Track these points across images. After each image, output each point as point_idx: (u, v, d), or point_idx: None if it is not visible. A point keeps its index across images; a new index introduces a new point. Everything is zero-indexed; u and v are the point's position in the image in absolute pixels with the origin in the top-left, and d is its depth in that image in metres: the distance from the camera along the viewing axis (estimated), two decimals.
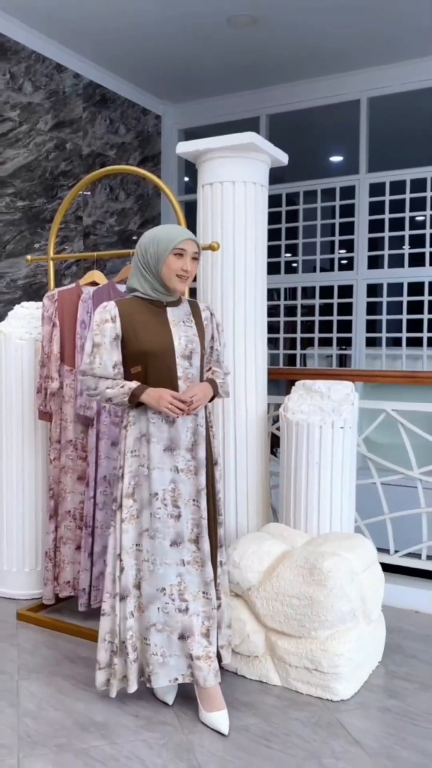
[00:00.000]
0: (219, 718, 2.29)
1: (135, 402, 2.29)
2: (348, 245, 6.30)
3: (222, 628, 2.46)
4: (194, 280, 3.06)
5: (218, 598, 2.43)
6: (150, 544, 2.32)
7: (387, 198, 5.98)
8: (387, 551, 3.41)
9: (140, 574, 2.34)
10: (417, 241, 5.95)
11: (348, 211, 6.16)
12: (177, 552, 2.31)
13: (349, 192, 6.14)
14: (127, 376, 2.36)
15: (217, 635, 2.37)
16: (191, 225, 2.94)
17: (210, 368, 2.52)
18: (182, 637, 2.30)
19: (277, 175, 3.50)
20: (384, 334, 6.13)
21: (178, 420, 2.31)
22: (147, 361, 2.32)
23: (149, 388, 2.28)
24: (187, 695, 2.46)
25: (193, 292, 2.95)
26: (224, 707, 2.32)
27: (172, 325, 2.37)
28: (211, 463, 2.43)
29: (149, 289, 2.37)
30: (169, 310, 2.39)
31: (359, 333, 6.15)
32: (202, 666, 2.28)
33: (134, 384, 2.29)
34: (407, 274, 6.03)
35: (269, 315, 3.29)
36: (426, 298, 5.86)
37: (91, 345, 2.34)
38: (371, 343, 6.28)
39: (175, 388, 2.32)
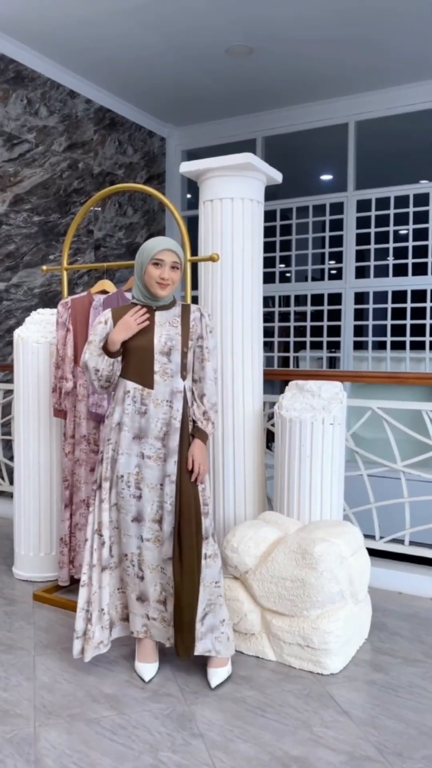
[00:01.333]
0: (146, 668, 2.42)
1: (112, 347, 2.34)
2: (337, 257, 6.30)
3: (212, 623, 2.38)
4: (195, 288, 3.07)
5: (196, 591, 2.31)
6: (117, 516, 2.40)
7: (373, 213, 5.98)
8: (373, 537, 3.41)
9: (110, 540, 2.42)
10: (400, 252, 5.96)
11: (337, 225, 6.16)
12: (137, 527, 2.37)
13: (338, 208, 6.15)
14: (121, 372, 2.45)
15: (196, 618, 2.32)
16: (193, 238, 2.94)
17: (193, 408, 2.42)
18: (140, 598, 2.40)
19: (271, 192, 3.50)
20: (370, 338, 6.13)
21: (150, 411, 2.34)
22: (129, 356, 2.39)
23: (114, 328, 2.35)
24: (189, 669, 2.46)
25: (195, 300, 2.94)
26: (155, 661, 2.45)
27: (156, 326, 2.39)
28: (185, 453, 2.36)
29: (140, 294, 2.43)
30: (157, 313, 2.42)
31: (347, 337, 6.15)
32: (158, 625, 2.40)
33: (107, 350, 2.36)
34: (391, 283, 6.03)
35: (265, 321, 3.28)
36: (408, 305, 5.86)
37: (88, 343, 2.44)
38: (358, 346, 6.29)
39: (151, 381, 2.36)
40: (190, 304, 2.51)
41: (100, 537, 2.40)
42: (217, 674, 2.38)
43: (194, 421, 2.43)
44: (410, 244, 5.85)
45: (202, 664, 2.46)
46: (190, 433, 2.40)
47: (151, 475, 2.36)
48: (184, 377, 2.39)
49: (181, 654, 2.34)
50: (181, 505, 2.33)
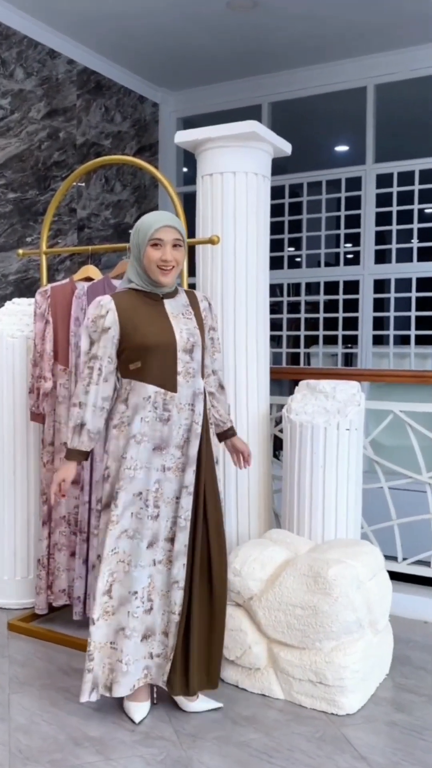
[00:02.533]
0: (137, 707, 2.42)
1: (66, 455, 2.41)
2: (354, 239, 6.30)
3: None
4: (192, 274, 3.07)
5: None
6: (128, 544, 2.34)
7: (395, 189, 5.98)
8: (395, 559, 3.41)
9: (112, 576, 2.35)
10: (426, 234, 5.95)
11: (354, 203, 6.16)
12: (151, 553, 2.35)
13: (355, 183, 6.15)
14: (125, 373, 2.36)
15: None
16: (190, 217, 2.94)
17: (217, 408, 2.57)
18: (145, 637, 2.38)
19: (279, 166, 3.50)
20: (392, 332, 6.13)
21: (173, 418, 2.33)
22: (147, 357, 2.31)
23: (67, 463, 2.40)
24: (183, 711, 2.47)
25: (192, 288, 2.95)
26: (146, 699, 2.46)
27: (171, 318, 2.37)
28: (208, 461, 2.42)
29: (140, 281, 2.38)
30: (166, 302, 2.39)
31: (366, 330, 6.15)
32: (160, 662, 2.39)
33: (73, 446, 2.37)
34: (416, 269, 6.03)
35: (271, 312, 3.29)
36: None
37: (89, 343, 2.35)
38: (378, 341, 6.29)
39: (174, 383, 2.32)
40: (192, 291, 2.54)
41: (100, 564, 2.36)
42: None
43: (217, 422, 2.56)
44: None
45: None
46: (223, 432, 2.58)
47: (169, 489, 2.36)
48: (203, 375, 2.43)
49: (205, 686, 2.43)
50: (206, 516, 2.39)
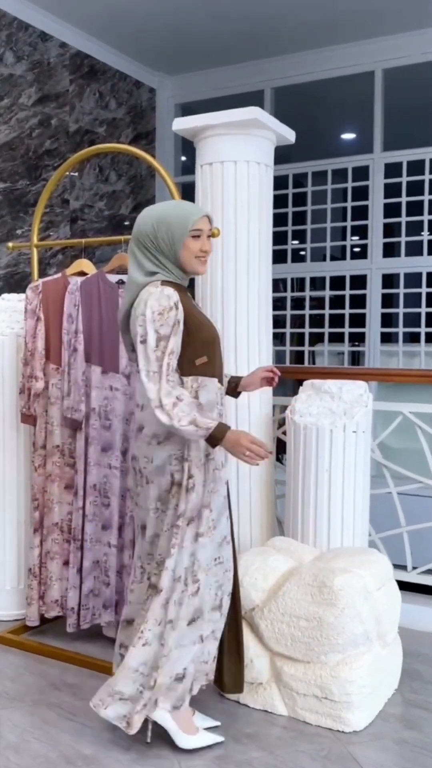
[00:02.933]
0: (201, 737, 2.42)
1: (213, 443, 2.21)
2: (361, 231, 6.30)
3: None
4: None
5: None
6: (228, 550, 2.39)
7: (404, 179, 5.98)
8: (404, 568, 3.41)
9: (222, 589, 2.37)
10: None
11: (361, 193, 6.16)
12: (230, 549, 2.44)
13: (362, 173, 6.15)
14: (191, 370, 2.27)
15: None
16: None
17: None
18: (192, 620, 2.36)
19: (283, 154, 3.51)
20: (401, 329, 6.13)
21: (224, 413, 2.36)
22: (213, 351, 2.34)
23: (229, 431, 2.18)
24: None
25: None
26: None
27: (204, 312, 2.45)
28: None
29: (176, 274, 2.30)
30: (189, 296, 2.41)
31: (373, 328, 6.15)
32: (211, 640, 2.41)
33: (213, 423, 2.15)
34: (426, 263, 6.03)
35: (275, 308, 3.29)
36: None
37: (156, 339, 2.18)
38: (386, 338, 6.29)
39: (222, 377, 2.40)
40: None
41: (195, 583, 2.30)
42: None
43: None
44: None
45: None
46: (230, 383, 2.59)
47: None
48: None
49: (233, 689, 2.52)
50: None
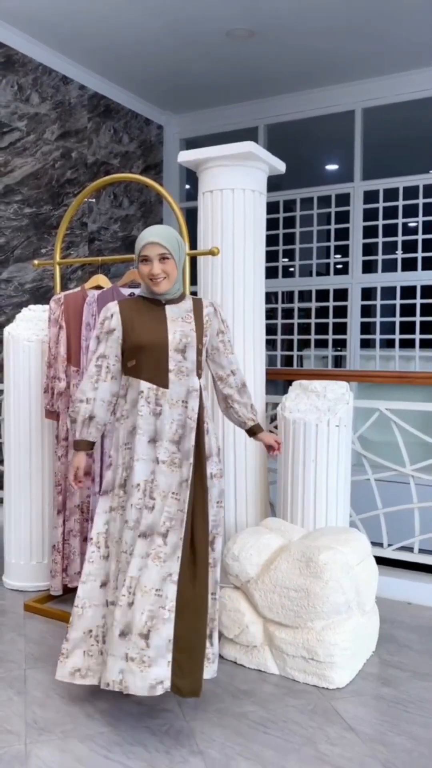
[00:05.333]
0: None
1: (75, 446, 2.40)
2: (343, 250, 6.30)
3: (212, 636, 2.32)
4: (194, 283, 3.06)
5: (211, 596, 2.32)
6: (129, 535, 2.25)
7: (381, 205, 5.98)
8: (381, 545, 3.41)
9: (119, 565, 2.29)
10: (409, 246, 5.96)
11: (343, 217, 6.16)
12: (146, 544, 2.22)
13: (344, 199, 6.14)
14: (125, 371, 2.37)
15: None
16: (192, 231, 2.94)
17: (236, 409, 2.53)
18: (122, 633, 2.16)
19: (274, 183, 3.50)
20: (378, 336, 6.12)
21: (164, 413, 2.29)
22: (141, 355, 2.32)
23: (78, 454, 2.38)
24: None
25: (194, 295, 2.94)
26: None
27: (169, 321, 2.34)
28: (201, 456, 2.33)
29: (145, 289, 2.39)
30: (167, 307, 2.37)
31: (354, 335, 6.15)
32: (134, 670, 2.09)
33: (82, 437, 2.36)
34: (400, 278, 6.03)
35: (267, 317, 3.29)
36: (418, 301, 5.86)
37: (96, 342, 2.39)
38: (365, 344, 6.28)
39: (166, 379, 2.29)
40: (201, 299, 2.49)
41: (99, 549, 2.35)
42: None
43: (238, 423, 2.55)
44: (420, 237, 5.85)
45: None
46: (249, 429, 2.54)
47: (164, 482, 2.27)
48: (200, 375, 2.36)
49: (187, 694, 2.13)
50: (194, 514, 2.27)
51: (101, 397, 2.34)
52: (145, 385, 2.31)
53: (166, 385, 2.30)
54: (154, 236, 2.28)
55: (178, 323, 2.34)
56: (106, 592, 2.33)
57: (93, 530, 2.36)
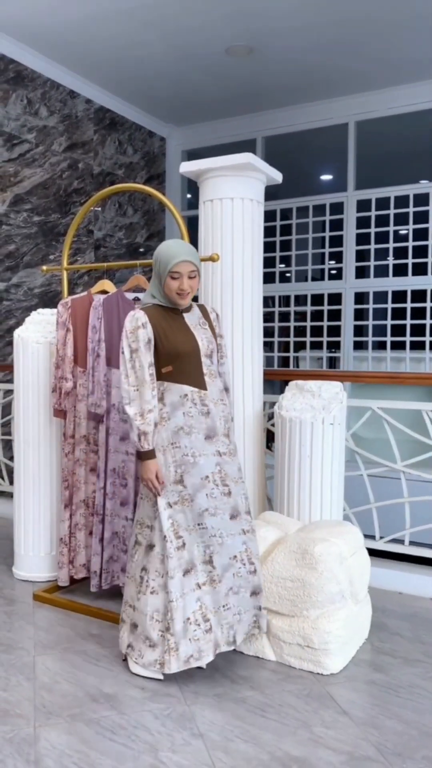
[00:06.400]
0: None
1: (140, 457, 2.39)
2: (337, 257, 6.30)
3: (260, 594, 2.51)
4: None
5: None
6: (213, 521, 2.36)
7: (373, 213, 5.98)
8: (373, 537, 3.41)
9: (210, 549, 2.36)
10: (400, 252, 5.96)
11: (337, 225, 6.16)
12: (236, 523, 2.40)
13: (338, 208, 6.15)
14: (159, 376, 2.38)
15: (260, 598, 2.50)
16: (193, 238, 2.94)
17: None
18: (253, 593, 2.44)
19: (272, 192, 3.50)
20: (370, 338, 6.13)
21: (212, 411, 2.39)
22: (177, 361, 2.37)
23: (150, 461, 2.34)
24: (188, 669, 2.46)
25: (194, 300, 2.95)
26: None
27: (192, 329, 2.43)
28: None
29: (163, 299, 2.42)
30: (185, 315, 2.45)
31: (347, 337, 6.15)
32: (264, 613, 2.49)
33: (148, 446, 2.33)
34: (391, 283, 6.03)
35: (265, 321, 3.29)
36: (408, 305, 5.86)
37: (129, 351, 2.34)
38: (358, 346, 6.29)
39: (202, 382, 2.40)
40: (203, 305, 2.59)
41: (178, 540, 2.34)
42: None
43: None
44: (410, 244, 5.85)
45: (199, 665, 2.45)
46: None
47: (231, 470, 2.42)
48: (220, 375, 2.53)
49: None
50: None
51: (152, 406, 2.35)
52: (188, 389, 2.38)
53: (205, 387, 2.41)
54: (187, 254, 2.35)
55: (200, 331, 2.45)
56: (195, 576, 2.36)
57: (160, 530, 2.33)
